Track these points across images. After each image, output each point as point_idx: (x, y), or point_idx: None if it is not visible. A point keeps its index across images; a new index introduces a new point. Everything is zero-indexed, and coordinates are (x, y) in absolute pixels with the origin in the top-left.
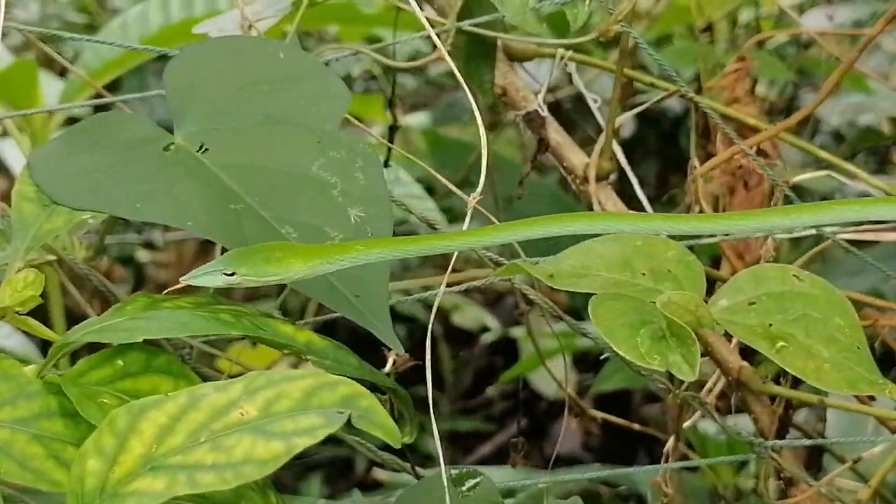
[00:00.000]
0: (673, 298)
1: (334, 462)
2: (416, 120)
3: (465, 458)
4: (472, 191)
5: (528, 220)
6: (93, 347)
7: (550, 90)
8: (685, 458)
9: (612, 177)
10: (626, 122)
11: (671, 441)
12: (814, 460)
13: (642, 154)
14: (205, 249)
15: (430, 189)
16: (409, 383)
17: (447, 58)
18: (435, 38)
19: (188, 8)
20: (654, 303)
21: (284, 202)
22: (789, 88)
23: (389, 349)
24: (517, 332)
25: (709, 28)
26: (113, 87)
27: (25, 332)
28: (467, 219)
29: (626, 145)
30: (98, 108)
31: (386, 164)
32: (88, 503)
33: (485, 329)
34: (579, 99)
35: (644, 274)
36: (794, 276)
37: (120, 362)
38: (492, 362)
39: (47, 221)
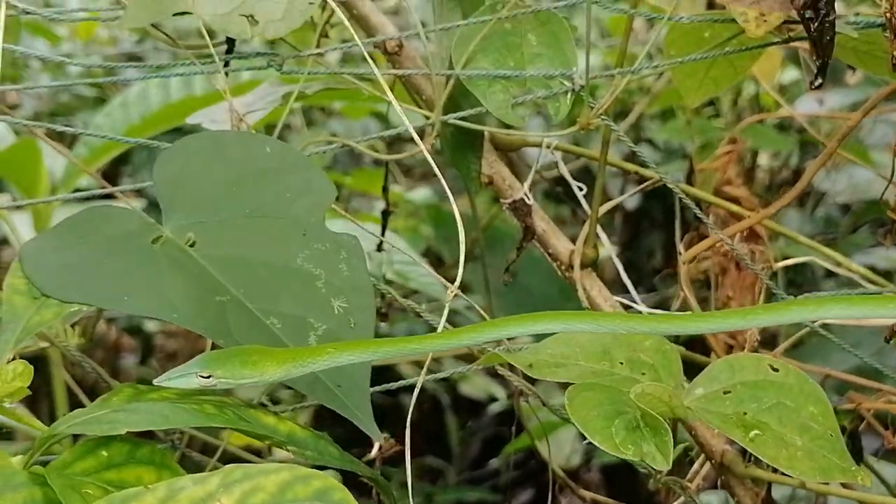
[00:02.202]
0: (647, 390)
1: None
2: (419, 194)
3: None
4: (476, 264)
5: (498, 320)
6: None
7: (546, 169)
8: None
9: (615, 250)
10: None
11: None
12: None
13: (648, 226)
14: None
15: (439, 259)
16: (417, 453)
17: (427, 155)
18: (414, 135)
19: (188, 87)
20: (630, 392)
21: (270, 294)
22: (793, 159)
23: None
24: (525, 402)
25: (711, 103)
26: (121, 160)
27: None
28: (444, 313)
29: (632, 217)
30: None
31: (379, 249)
32: None
33: (492, 399)
34: (575, 178)
35: (622, 363)
36: (769, 365)
37: (104, 453)
38: (499, 432)
39: (37, 314)
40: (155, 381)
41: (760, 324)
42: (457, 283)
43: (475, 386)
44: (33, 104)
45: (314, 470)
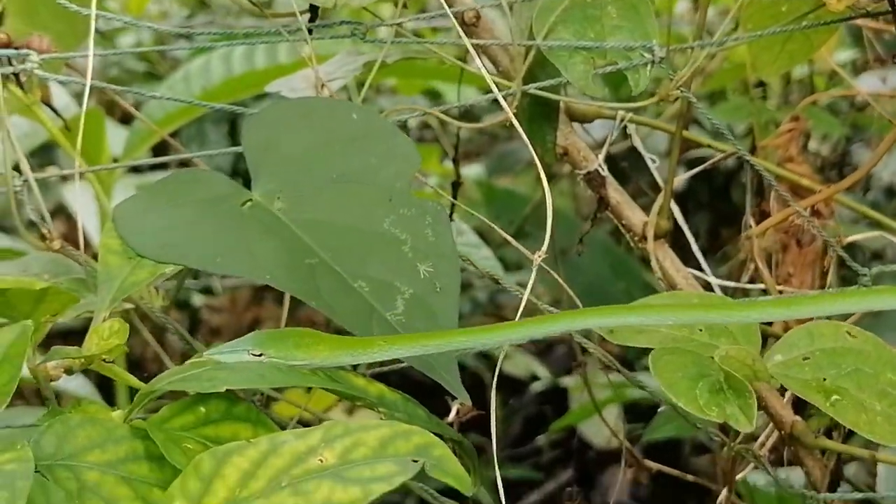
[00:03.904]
0: (731, 353)
1: None
2: (470, 171)
3: None
4: (526, 242)
5: (564, 313)
6: (171, 395)
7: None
8: None
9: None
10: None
11: (724, 493)
12: None
13: (694, 208)
14: (258, 296)
15: (485, 239)
16: (461, 430)
17: (514, 121)
18: (502, 101)
19: (249, 61)
20: (712, 357)
21: (357, 258)
22: (841, 144)
23: (454, 399)
24: (567, 381)
25: (762, 84)
26: (172, 136)
27: (85, 376)
28: (532, 277)
29: (679, 199)
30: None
31: (450, 218)
32: None
33: (535, 378)
34: (632, 153)
35: (701, 330)
36: (847, 332)
37: (202, 409)
38: (541, 411)
39: (132, 274)
40: (205, 354)
41: (862, 308)
42: (543, 248)
43: (517, 365)
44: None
45: (414, 426)
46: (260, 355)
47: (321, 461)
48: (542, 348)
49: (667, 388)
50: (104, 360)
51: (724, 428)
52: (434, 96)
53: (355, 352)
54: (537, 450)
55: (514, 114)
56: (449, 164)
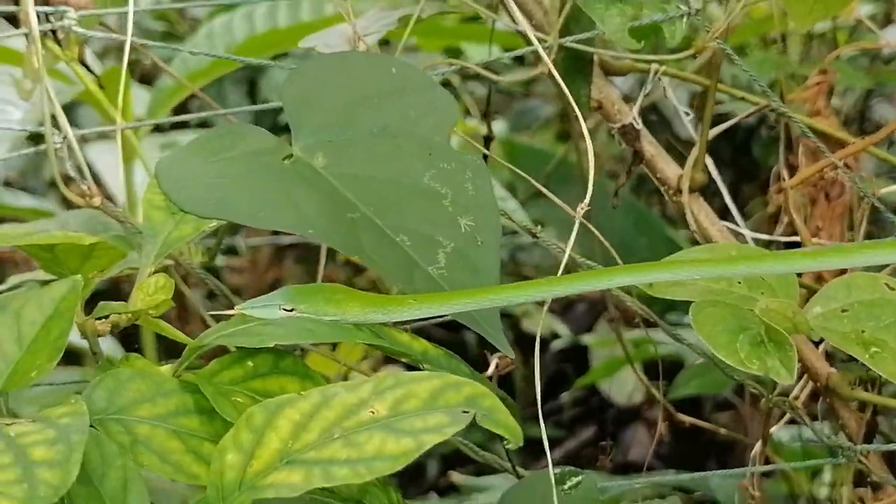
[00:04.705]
0: (771, 305)
1: (408, 466)
2: (493, 128)
3: (535, 464)
4: (550, 201)
5: (605, 270)
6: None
7: (626, 101)
8: (769, 463)
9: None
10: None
11: (758, 445)
12: (893, 469)
13: (716, 164)
14: (279, 256)
15: (513, 194)
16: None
17: (555, 73)
18: (543, 53)
19: (272, 19)
20: (752, 310)
21: (398, 211)
22: (861, 99)
23: (493, 353)
24: (587, 339)
25: (783, 39)
26: (193, 96)
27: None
28: (574, 231)
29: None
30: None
31: None
32: (228, 495)
33: (555, 336)
34: (653, 108)
35: (740, 282)
36: (886, 284)
37: (250, 363)
38: (561, 369)
39: (176, 229)
40: (236, 308)
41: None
42: (586, 201)
43: (538, 323)
44: (100, 41)
45: (463, 378)
46: (291, 310)
47: (372, 413)
48: (563, 306)
49: (707, 341)
50: (150, 315)
51: (762, 381)
52: (456, 55)
53: (386, 309)
54: (559, 408)
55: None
56: (471, 122)
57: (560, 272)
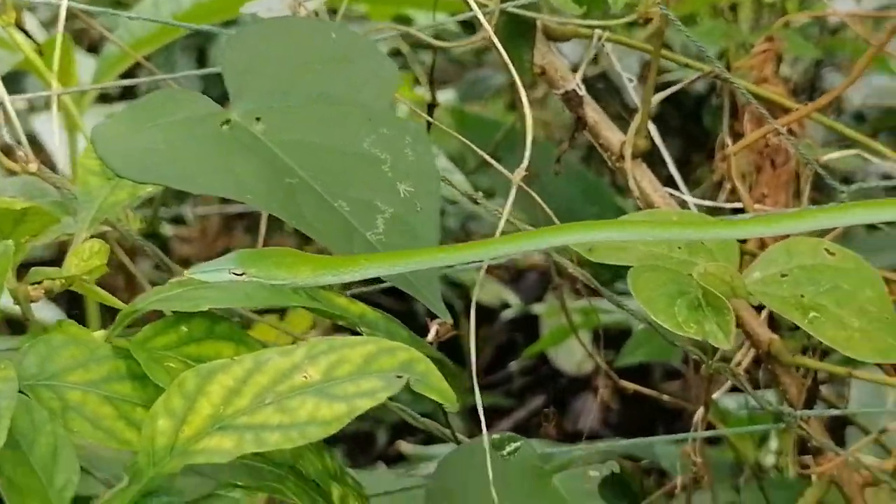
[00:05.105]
0: (709, 269)
1: (357, 436)
2: (442, 97)
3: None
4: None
5: (544, 229)
6: (150, 316)
7: (576, 68)
8: (712, 429)
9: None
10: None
11: (700, 411)
12: (836, 434)
13: (665, 132)
14: (228, 226)
15: (459, 165)
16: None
17: (494, 38)
18: (482, 18)
19: None
20: (691, 274)
21: (337, 177)
22: (811, 68)
23: (433, 319)
24: (538, 308)
25: (733, 8)
26: (140, 65)
27: (54, 304)
28: (510, 195)
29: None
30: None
31: None
32: (159, 460)
33: (506, 305)
34: (602, 77)
35: (680, 248)
36: (826, 249)
37: (184, 328)
38: (512, 338)
39: (111, 194)
40: (186, 273)
41: (844, 222)
42: (523, 166)
43: (489, 293)
44: (50, 8)
45: (398, 343)
46: (241, 274)
47: (305, 378)
48: (513, 276)
49: (645, 305)
50: (84, 280)
51: (703, 348)
52: (406, 22)
53: (337, 270)
54: (508, 377)
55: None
56: (420, 91)
57: (497, 234)
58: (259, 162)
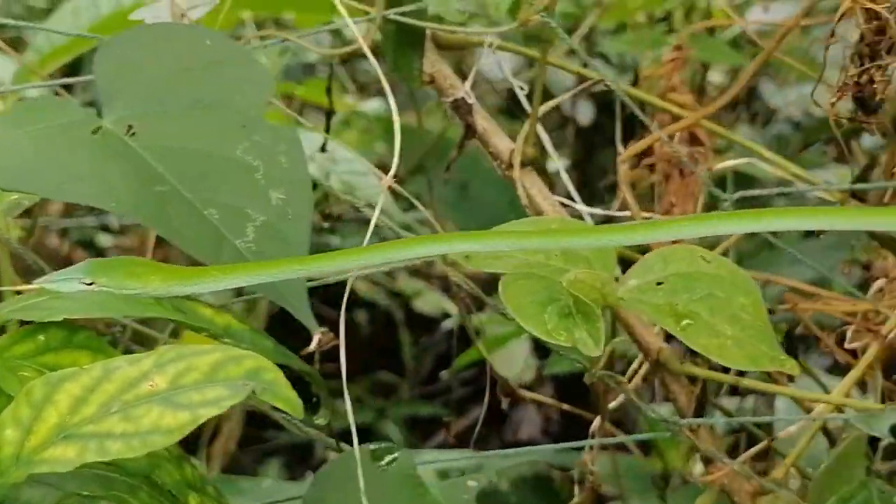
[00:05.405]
0: (579, 277)
1: (295, 447)
2: (370, 106)
3: (424, 443)
4: (427, 176)
5: (413, 239)
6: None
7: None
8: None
9: (567, 164)
10: (585, 110)
11: (597, 420)
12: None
13: (602, 142)
14: None
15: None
16: (370, 369)
17: (366, 49)
18: (353, 27)
19: None
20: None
21: (209, 185)
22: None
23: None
24: (478, 318)
25: (666, 18)
26: (73, 69)
27: None
28: (381, 199)
29: (586, 133)
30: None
31: (323, 149)
32: (4, 471)
33: (446, 315)
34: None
35: (557, 255)
36: (702, 257)
37: (41, 337)
38: (452, 348)
39: None
40: (35, 282)
41: (712, 232)
42: (391, 174)
43: (429, 302)
44: None
45: (247, 351)
46: (91, 284)
47: (152, 386)
48: (453, 284)
49: (516, 313)
50: None
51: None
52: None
53: (188, 281)
54: (448, 387)
55: (380, 41)
56: (348, 99)
57: (366, 240)
58: (129, 169)
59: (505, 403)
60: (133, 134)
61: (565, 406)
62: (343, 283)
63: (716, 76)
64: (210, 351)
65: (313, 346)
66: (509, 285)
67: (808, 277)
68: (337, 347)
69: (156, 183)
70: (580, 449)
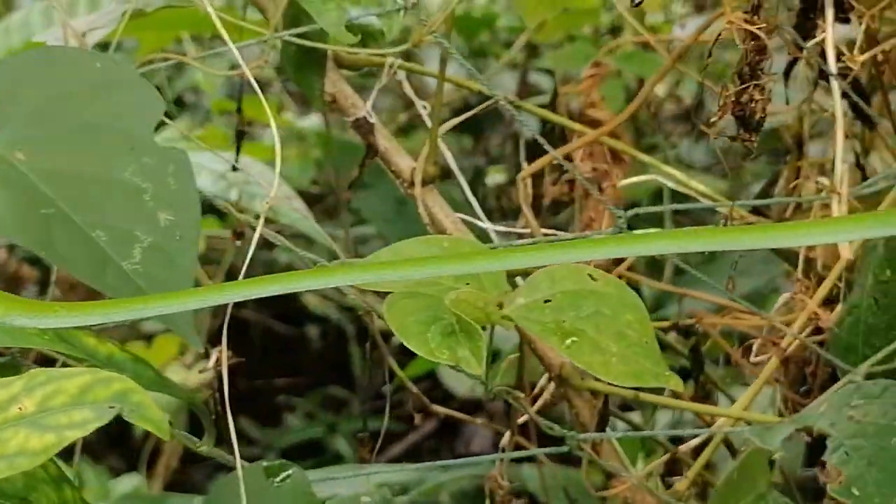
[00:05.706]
0: (461, 296)
1: (251, 460)
2: (309, 122)
3: (377, 458)
4: (367, 192)
5: (297, 273)
6: None
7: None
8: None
9: (502, 179)
10: (532, 125)
11: (507, 435)
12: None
13: (486, 157)
14: None
15: (330, 188)
16: (321, 383)
17: (247, 71)
18: (235, 52)
19: (73, 15)
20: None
21: (96, 207)
22: (699, 91)
23: (214, 346)
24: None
25: (613, 31)
26: None
27: None
28: (261, 221)
29: (530, 147)
30: None
31: (234, 169)
32: None
33: None
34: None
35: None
36: (589, 275)
37: None
38: (403, 363)
39: None
40: None
41: (612, 254)
42: (273, 192)
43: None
44: None
45: (115, 374)
46: None
47: (21, 409)
48: None
49: (399, 332)
50: None
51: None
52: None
53: (33, 314)
54: (400, 402)
55: (271, 61)
56: (290, 116)
57: (242, 272)
58: (16, 193)
59: (418, 419)
60: (21, 157)
61: (479, 420)
62: (295, 297)
63: (662, 90)
64: (79, 373)
65: (211, 362)
66: (393, 305)
67: (748, 290)
68: (290, 361)
69: (42, 206)
70: (532, 460)
